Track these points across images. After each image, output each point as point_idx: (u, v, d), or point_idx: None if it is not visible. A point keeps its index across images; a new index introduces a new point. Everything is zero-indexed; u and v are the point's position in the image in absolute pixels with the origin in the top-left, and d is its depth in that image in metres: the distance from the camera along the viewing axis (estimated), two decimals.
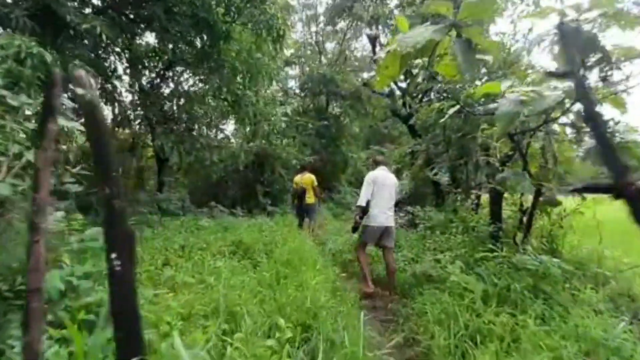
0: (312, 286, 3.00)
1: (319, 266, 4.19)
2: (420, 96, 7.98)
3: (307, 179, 7.26)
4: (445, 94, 6.52)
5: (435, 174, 6.03)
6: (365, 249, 4.28)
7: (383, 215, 4.11)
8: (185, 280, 2.93)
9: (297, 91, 18.65)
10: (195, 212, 7.57)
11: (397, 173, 11.67)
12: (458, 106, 3.55)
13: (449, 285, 3.16)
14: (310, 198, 7.16)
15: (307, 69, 17.64)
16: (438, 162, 6.48)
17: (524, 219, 3.79)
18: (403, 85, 8.97)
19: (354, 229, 4.43)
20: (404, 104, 8.66)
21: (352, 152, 19.72)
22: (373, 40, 9.15)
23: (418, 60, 2.85)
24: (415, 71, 3.54)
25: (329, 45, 21.92)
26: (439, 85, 5.44)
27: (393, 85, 9.14)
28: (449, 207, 6.24)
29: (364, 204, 4.18)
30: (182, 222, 5.75)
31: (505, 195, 4.39)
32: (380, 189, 4.15)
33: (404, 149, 11.24)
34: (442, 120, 3.67)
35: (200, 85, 7.92)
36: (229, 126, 13.59)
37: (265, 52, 8.45)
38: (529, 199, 4.06)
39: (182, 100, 7.44)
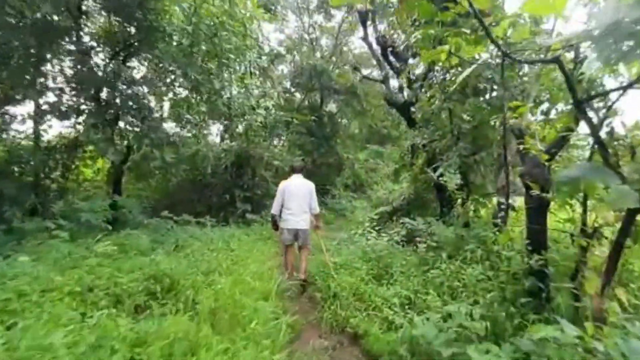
0: None
1: (259, 321, 2.67)
2: (420, 80, 6.48)
3: None
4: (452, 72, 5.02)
5: (441, 175, 4.53)
6: (288, 250, 4.43)
7: (294, 220, 4.32)
8: None
9: (291, 88, 17.15)
10: (141, 225, 6.09)
11: (395, 175, 10.19)
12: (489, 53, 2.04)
13: None
14: None
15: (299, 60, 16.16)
16: (443, 160, 4.96)
17: (594, 248, 2.25)
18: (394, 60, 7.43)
19: (275, 229, 4.69)
20: (400, 89, 7.15)
21: (349, 152, 18.22)
22: (364, 17, 7.69)
23: None
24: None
25: (324, 42, 20.51)
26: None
27: (388, 68, 7.63)
28: (459, 218, 4.70)
29: (275, 212, 4.50)
30: (91, 242, 4.18)
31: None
32: (291, 196, 4.37)
33: (403, 147, 9.75)
34: (468, 71, 2.16)
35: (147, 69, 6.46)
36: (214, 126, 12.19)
37: (235, 31, 7.02)
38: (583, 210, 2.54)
39: (123, 86, 5.98)
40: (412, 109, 6.80)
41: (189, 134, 8.21)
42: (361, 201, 15.27)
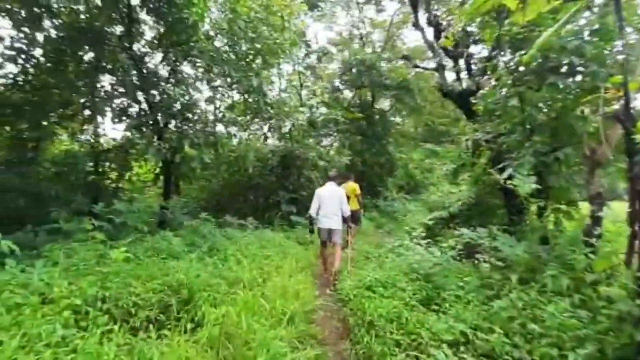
0: None
1: (269, 355, 2.19)
2: (482, 65, 5.51)
3: (349, 187, 7.13)
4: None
5: (509, 178, 3.66)
6: (324, 248, 5.08)
7: (327, 220, 4.94)
8: None
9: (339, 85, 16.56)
10: (182, 226, 6.04)
11: (454, 176, 9.13)
12: None
13: None
14: (351, 205, 6.66)
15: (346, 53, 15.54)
16: (513, 159, 4.05)
17: None
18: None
19: (311, 232, 5.51)
20: (457, 78, 6.20)
21: (402, 152, 17.13)
22: (415, 1, 6.86)
23: None
24: None
25: (376, 36, 19.59)
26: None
27: (442, 54, 6.69)
28: (534, 232, 3.76)
29: (312, 214, 5.13)
30: (122, 244, 4.05)
31: None
32: (325, 201, 4.99)
33: (462, 145, 8.68)
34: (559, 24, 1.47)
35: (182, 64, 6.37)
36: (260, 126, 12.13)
37: (274, 26, 6.72)
38: None
39: (169, 88, 5.98)
40: (472, 100, 5.85)
41: (232, 134, 8.10)
42: (416, 203, 14.22)
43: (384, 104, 18.54)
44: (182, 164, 6.13)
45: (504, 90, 4.32)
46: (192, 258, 4.45)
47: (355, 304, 3.32)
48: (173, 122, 6.67)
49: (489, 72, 5.28)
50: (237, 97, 8.36)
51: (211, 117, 9.01)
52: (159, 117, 6.01)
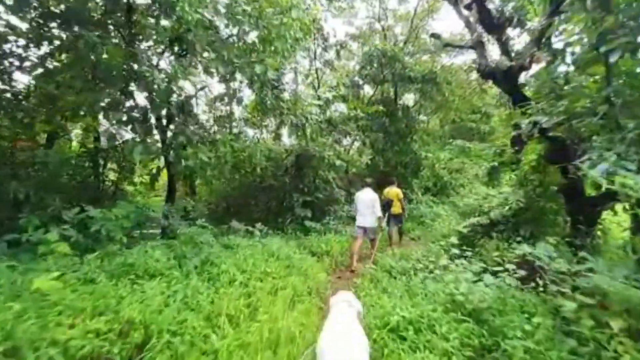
0: None
1: None
2: (535, 36, 4.35)
3: (392, 192, 7.44)
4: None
5: (581, 176, 2.57)
6: (356, 241, 5.90)
7: (363, 219, 5.97)
8: None
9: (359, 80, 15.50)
10: (176, 234, 5.26)
11: (489, 176, 7.95)
12: None
13: None
14: (395, 209, 7.39)
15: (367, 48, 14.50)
16: (593, 149, 2.93)
17: None
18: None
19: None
20: (504, 51, 4.99)
21: (428, 151, 15.83)
22: None
23: None
24: None
25: (399, 30, 18.39)
26: None
27: (480, 29, 5.51)
28: (631, 249, 2.63)
29: (353, 213, 6.48)
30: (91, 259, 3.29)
31: None
32: (360, 203, 6.08)
33: (499, 142, 7.49)
34: None
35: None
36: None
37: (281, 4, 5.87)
38: None
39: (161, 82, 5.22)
40: (522, 82, 4.70)
41: (237, 132, 7.31)
42: (444, 207, 12.98)
43: (408, 99, 17.32)
44: (176, 162, 5.36)
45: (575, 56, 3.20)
46: (174, 277, 3.63)
47: (374, 358, 2.33)
48: (169, 117, 5.96)
49: (544, 43, 4.14)
50: (248, 93, 7.62)
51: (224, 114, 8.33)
52: (154, 113, 5.27)
